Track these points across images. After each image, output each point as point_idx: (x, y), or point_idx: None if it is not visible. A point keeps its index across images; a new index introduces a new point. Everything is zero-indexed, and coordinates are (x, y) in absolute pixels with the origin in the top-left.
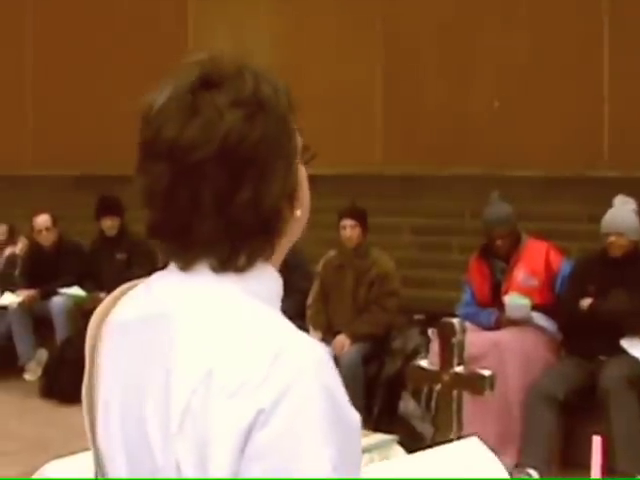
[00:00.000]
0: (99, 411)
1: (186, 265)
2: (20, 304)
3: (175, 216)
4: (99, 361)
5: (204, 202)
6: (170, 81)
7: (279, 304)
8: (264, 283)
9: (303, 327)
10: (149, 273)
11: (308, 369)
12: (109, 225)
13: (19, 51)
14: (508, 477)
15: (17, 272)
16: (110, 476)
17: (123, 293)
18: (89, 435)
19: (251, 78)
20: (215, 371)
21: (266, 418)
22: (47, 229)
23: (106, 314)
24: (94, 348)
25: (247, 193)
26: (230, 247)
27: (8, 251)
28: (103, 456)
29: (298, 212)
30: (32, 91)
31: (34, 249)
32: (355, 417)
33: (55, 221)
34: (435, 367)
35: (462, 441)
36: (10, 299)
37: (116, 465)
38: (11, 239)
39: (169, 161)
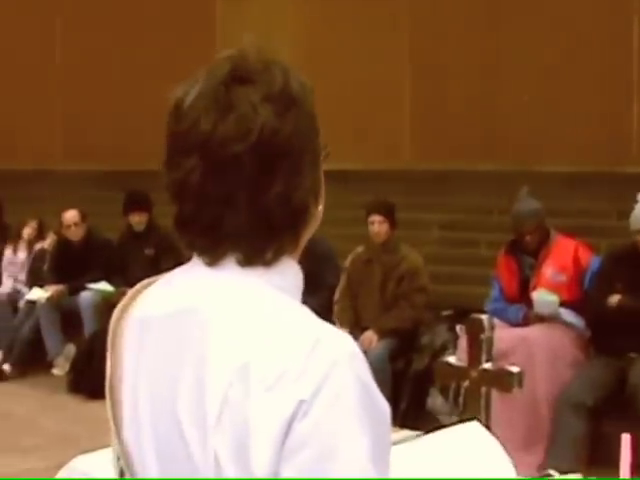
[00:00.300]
0: (125, 409)
1: (214, 260)
2: (48, 299)
3: (206, 210)
4: (121, 358)
5: (237, 196)
6: (201, 76)
7: (300, 297)
8: (287, 277)
9: (330, 323)
10: (177, 266)
11: (343, 360)
12: (137, 220)
13: (49, 48)
14: (508, 460)
15: (46, 267)
16: (140, 474)
17: (142, 289)
18: (113, 432)
19: (280, 74)
20: (252, 364)
21: (307, 408)
22: (76, 224)
23: (125, 310)
24: (114, 345)
25: (279, 187)
26: (260, 241)
27: (37, 246)
28: (130, 453)
29: (320, 208)
30: (61, 87)
31: (63, 244)
32: (386, 409)
33: (84, 216)
34: (463, 363)
35: (463, 425)
36: (39, 294)
37: (146, 461)
38: (40, 234)
39: (202, 155)
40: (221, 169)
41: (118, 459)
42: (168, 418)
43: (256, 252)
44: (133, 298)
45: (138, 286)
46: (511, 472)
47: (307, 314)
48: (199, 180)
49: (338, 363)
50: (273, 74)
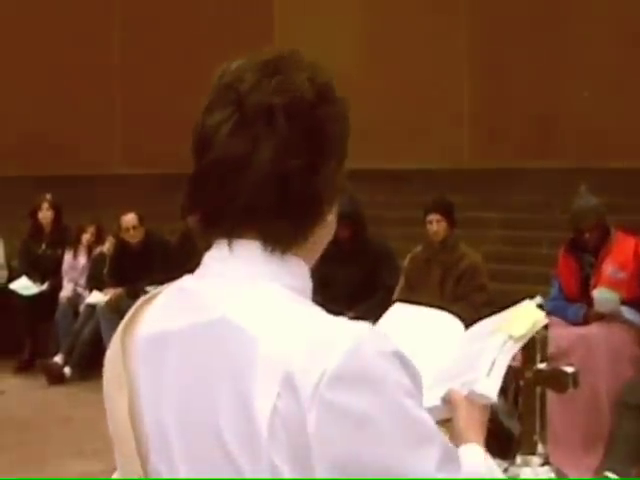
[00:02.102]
0: (150, 433)
1: (228, 234)
2: (108, 303)
3: (228, 163)
4: (135, 381)
5: (261, 152)
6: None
7: (311, 297)
8: (297, 278)
9: None
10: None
11: (384, 359)
12: None
13: (107, 52)
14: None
15: (105, 271)
16: None
17: (144, 304)
18: (131, 466)
19: (325, 73)
20: (295, 373)
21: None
22: (134, 227)
23: (128, 332)
24: (124, 366)
25: (303, 160)
26: (273, 213)
27: (96, 250)
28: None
29: (332, 217)
30: (120, 91)
31: (121, 248)
32: (427, 417)
33: (142, 219)
34: (518, 363)
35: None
36: (98, 298)
37: None
38: (99, 239)
39: (239, 105)
40: (252, 121)
41: None
42: (208, 438)
43: (271, 230)
44: (135, 316)
45: (139, 302)
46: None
47: (331, 317)
48: (230, 129)
49: (378, 364)
50: (319, 68)
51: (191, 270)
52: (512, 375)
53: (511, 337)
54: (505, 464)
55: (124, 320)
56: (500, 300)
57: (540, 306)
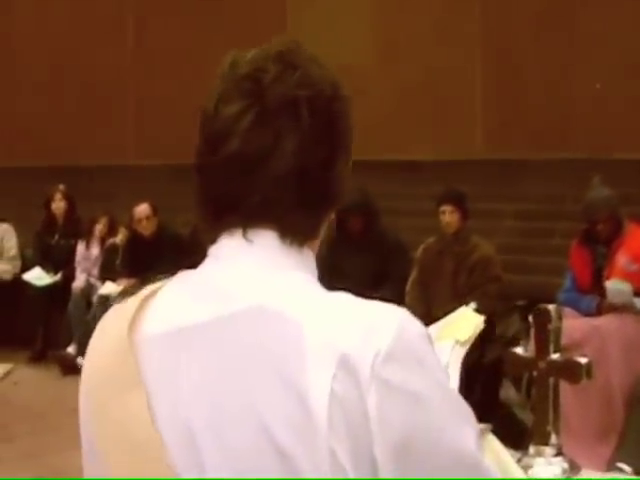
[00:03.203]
0: (172, 438)
1: (245, 226)
2: (121, 293)
3: (250, 153)
4: (150, 382)
5: (284, 144)
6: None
7: None
8: (313, 271)
9: None
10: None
11: (424, 339)
12: None
13: (120, 43)
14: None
15: (118, 261)
16: None
17: (145, 302)
18: (163, 459)
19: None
20: (351, 354)
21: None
22: (147, 218)
23: (136, 325)
24: (136, 366)
25: (324, 153)
26: (292, 206)
27: (109, 241)
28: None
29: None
30: (133, 81)
31: (134, 239)
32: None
33: (155, 210)
34: (531, 354)
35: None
36: (111, 288)
37: None
38: (112, 230)
39: (260, 96)
40: (276, 113)
41: None
42: (250, 436)
43: (290, 222)
44: (139, 313)
45: (139, 298)
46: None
47: (361, 299)
48: (252, 120)
49: (412, 339)
50: (324, 63)
51: (197, 263)
52: (525, 366)
53: (457, 342)
54: (518, 454)
55: (126, 317)
56: (513, 291)
57: (477, 310)
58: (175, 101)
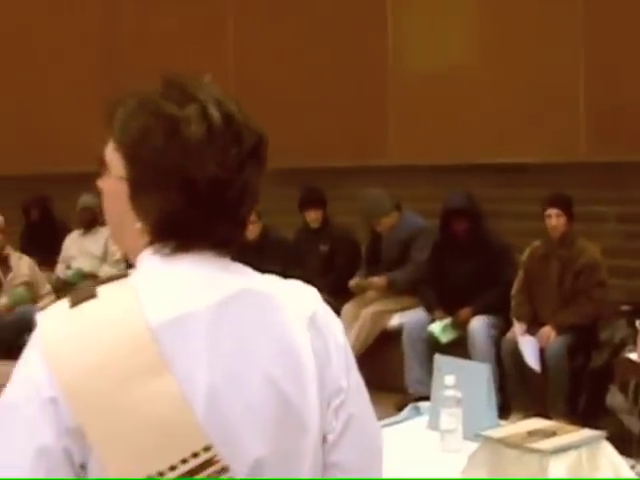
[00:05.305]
0: (199, 401)
1: (229, 244)
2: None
3: (247, 198)
4: (172, 362)
5: (257, 185)
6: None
7: None
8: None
9: (507, 318)
10: (352, 263)
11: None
12: (313, 217)
13: (221, 50)
14: None
15: None
16: (241, 460)
17: (136, 298)
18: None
19: None
20: (310, 317)
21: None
22: (252, 222)
23: (141, 319)
24: (158, 350)
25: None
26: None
27: None
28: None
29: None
30: (234, 88)
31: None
32: None
33: (259, 214)
34: (639, 359)
35: None
36: None
37: (245, 448)
38: None
39: (257, 155)
40: (262, 165)
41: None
42: (259, 386)
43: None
44: (138, 305)
45: (130, 295)
46: None
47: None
48: (254, 175)
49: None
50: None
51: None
52: (636, 372)
53: None
54: (632, 461)
55: (129, 310)
56: (619, 296)
57: None
58: (282, 106)
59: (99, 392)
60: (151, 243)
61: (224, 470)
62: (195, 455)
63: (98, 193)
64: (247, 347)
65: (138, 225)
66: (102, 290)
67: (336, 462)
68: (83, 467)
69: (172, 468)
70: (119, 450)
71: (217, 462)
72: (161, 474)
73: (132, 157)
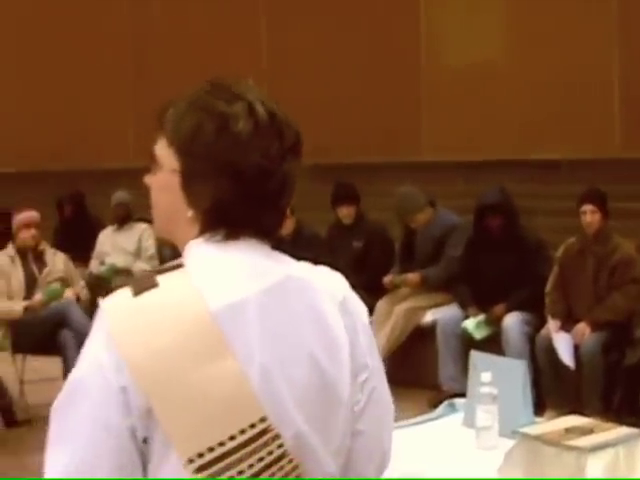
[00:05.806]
0: (256, 379)
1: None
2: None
3: (287, 190)
4: (232, 345)
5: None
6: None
7: None
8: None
9: (542, 314)
10: (386, 260)
11: None
12: (345, 213)
13: (255, 52)
14: None
15: None
16: (289, 426)
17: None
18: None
19: None
20: (341, 301)
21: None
22: (286, 217)
23: (203, 305)
24: (215, 337)
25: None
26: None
27: None
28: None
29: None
30: (268, 89)
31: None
32: None
33: (292, 210)
34: None
35: None
36: None
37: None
38: None
39: (297, 151)
40: (299, 159)
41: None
42: (303, 363)
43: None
44: (198, 293)
45: (189, 283)
46: None
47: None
48: (292, 168)
49: None
50: None
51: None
52: None
53: None
54: None
55: (189, 297)
56: None
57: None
58: (314, 104)
59: (167, 374)
60: (201, 233)
61: (277, 437)
62: (252, 426)
63: (134, 189)
64: (292, 329)
65: (190, 213)
66: (161, 279)
67: (361, 430)
68: (145, 441)
69: (232, 438)
70: (184, 425)
71: (271, 430)
72: (222, 444)
73: (185, 151)
